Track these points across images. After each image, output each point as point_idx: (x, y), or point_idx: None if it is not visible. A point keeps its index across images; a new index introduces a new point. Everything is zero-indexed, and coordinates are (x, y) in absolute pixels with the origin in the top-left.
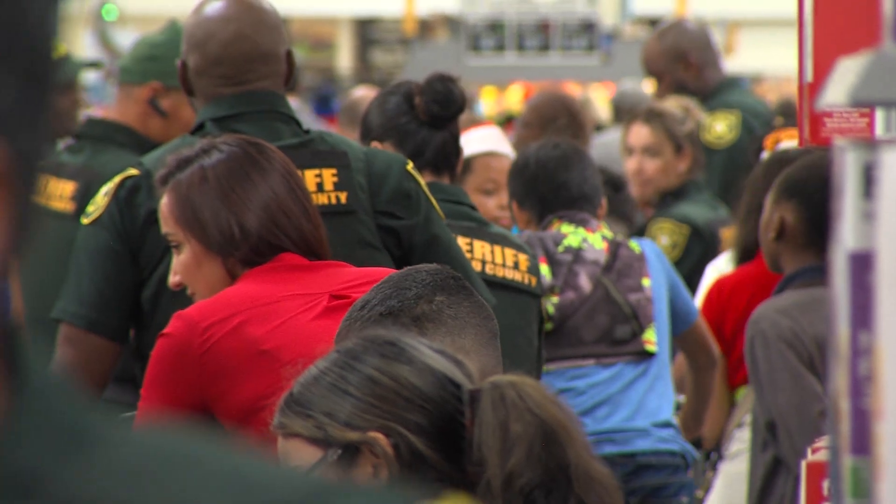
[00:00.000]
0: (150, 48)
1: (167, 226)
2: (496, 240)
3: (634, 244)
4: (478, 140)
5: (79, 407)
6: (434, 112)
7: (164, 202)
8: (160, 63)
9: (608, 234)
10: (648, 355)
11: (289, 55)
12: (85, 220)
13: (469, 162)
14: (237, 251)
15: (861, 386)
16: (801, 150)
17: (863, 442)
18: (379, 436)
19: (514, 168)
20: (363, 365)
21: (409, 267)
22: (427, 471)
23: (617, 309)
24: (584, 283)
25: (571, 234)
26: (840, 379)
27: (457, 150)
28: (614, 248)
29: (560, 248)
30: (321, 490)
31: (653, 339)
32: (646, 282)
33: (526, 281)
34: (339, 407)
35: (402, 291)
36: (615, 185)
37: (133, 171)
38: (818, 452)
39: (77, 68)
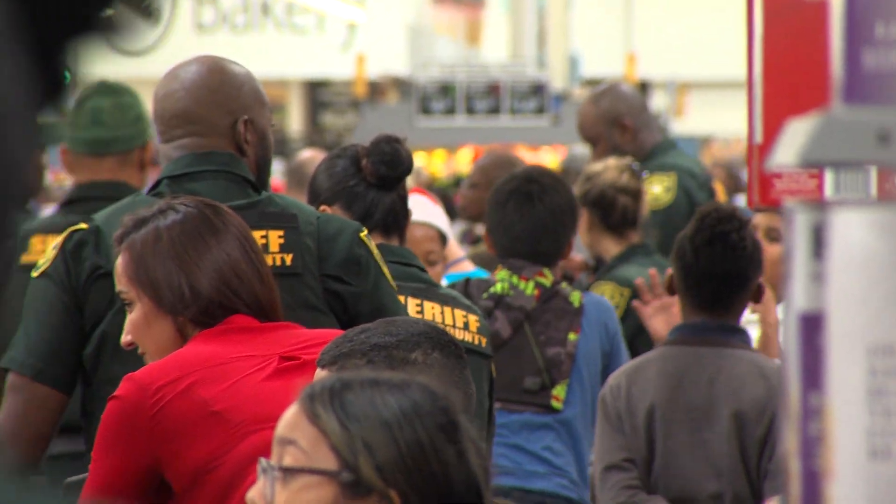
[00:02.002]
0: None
1: (120, 283)
2: (446, 301)
3: (576, 297)
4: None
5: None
6: (382, 173)
7: (119, 261)
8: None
9: (545, 281)
10: (555, 410)
11: (246, 124)
12: (34, 273)
13: None
14: (187, 311)
15: (811, 447)
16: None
17: (814, 502)
18: (396, 498)
19: (490, 202)
20: (421, 427)
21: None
22: None
23: (531, 359)
24: (504, 328)
25: (500, 282)
26: (790, 440)
27: (405, 211)
28: (546, 296)
29: (485, 295)
30: None
31: (561, 395)
32: (572, 336)
33: (476, 342)
34: (381, 449)
35: (403, 333)
36: None
37: (82, 226)
38: None
39: (63, 132)
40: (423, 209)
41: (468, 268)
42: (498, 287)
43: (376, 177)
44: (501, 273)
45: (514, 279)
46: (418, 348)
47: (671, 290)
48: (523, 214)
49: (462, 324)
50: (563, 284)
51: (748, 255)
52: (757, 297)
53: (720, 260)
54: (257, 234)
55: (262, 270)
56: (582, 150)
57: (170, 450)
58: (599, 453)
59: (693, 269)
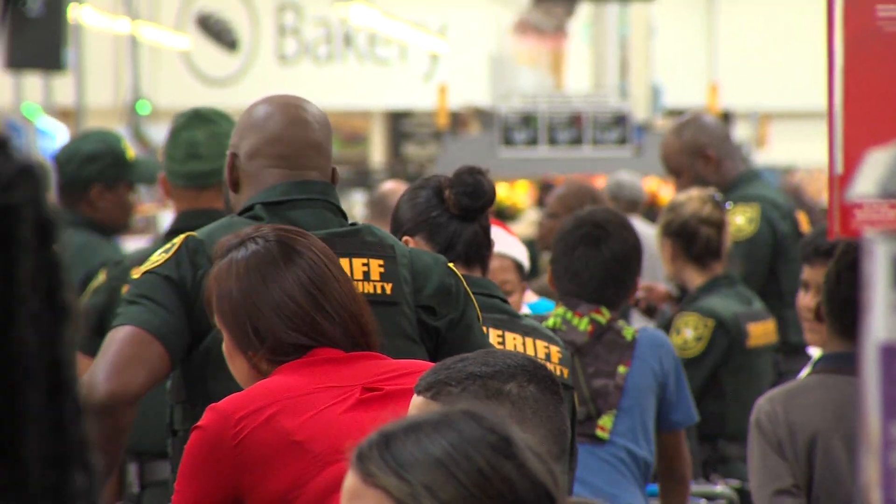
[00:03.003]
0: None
1: (210, 308)
2: (528, 332)
3: (630, 331)
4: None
5: None
6: (464, 204)
7: (208, 284)
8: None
9: (601, 319)
10: (600, 440)
11: (333, 170)
12: (138, 273)
13: None
14: (258, 351)
15: (893, 477)
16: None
17: None
18: None
19: (556, 245)
20: (476, 454)
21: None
22: None
23: (578, 390)
24: None
25: (554, 317)
26: (871, 470)
27: (488, 242)
28: (599, 332)
29: None
30: None
31: (608, 426)
32: (622, 369)
33: (558, 372)
34: (443, 487)
35: (500, 364)
36: None
37: (195, 234)
38: None
39: (154, 171)
40: (499, 240)
41: (531, 298)
42: (550, 321)
43: (459, 208)
44: (558, 309)
45: (569, 315)
46: (513, 380)
47: (819, 318)
48: (590, 261)
49: (544, 355)
50: (620, 322)
51: None
52: None
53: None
54: (359, 262)
55: (332, 308)
56: (627, 175)
57: (251, 479)
58: (765, 477)
59: (836, 294)
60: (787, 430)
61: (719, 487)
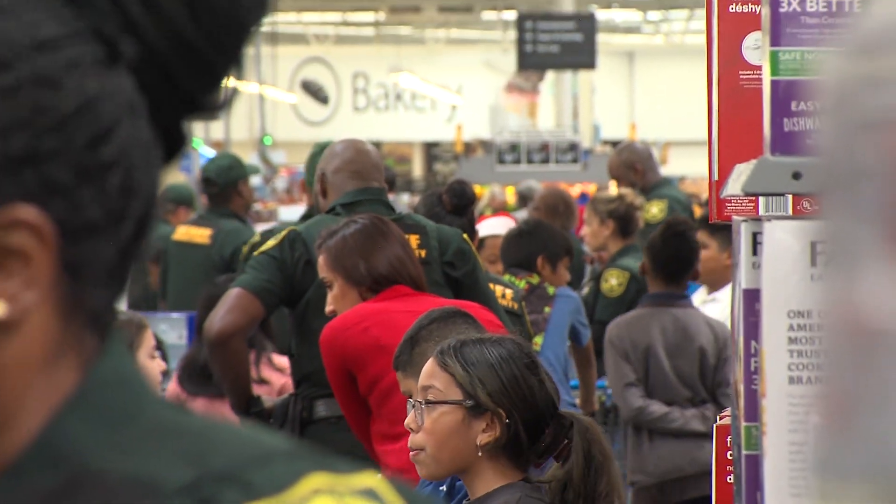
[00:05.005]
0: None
1: (322, 273)
2: (491, 280)
3: (551, 289)
4: (489, 226)
5: (133, 395)
6: (454, 203)
7: (320, 259)
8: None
9: (533, 280)
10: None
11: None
12: (257, 252)
13: (483, 240)
14: (366, 284)
15: (752, 375)
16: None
17: (753, 412)
18: (502, 412)
19: (503, 240)
20: (515, 366)
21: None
22: (513, 448)
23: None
24: None
25: (507, 279)
26: (739, 371)
27: (472, 229)
28: (532, 288)
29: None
30: (271, 452)
31: (539, 342)
32: (546, 309)
33: (511, 306)
34: (491, 381)
35: (416, 324)
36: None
37: (295, 228)
38: (724, 419)
39: (251, 171)
40: (505, 224)
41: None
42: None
43: (450, 206)
44: (507, 276)
45: (513, 279)
46: (421, 329)
47: (643, 272)
48: (515, 242)
49: (501, 294)
50: (547, 284)
51: (694, 247)
52: (695, 276)
53: (678, 248)
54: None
55: (413, 259)
56: (535, 183)
57: (354, 368)
58: (617, 376)
59: (661, 255)
60: (631, 344)
61: None
